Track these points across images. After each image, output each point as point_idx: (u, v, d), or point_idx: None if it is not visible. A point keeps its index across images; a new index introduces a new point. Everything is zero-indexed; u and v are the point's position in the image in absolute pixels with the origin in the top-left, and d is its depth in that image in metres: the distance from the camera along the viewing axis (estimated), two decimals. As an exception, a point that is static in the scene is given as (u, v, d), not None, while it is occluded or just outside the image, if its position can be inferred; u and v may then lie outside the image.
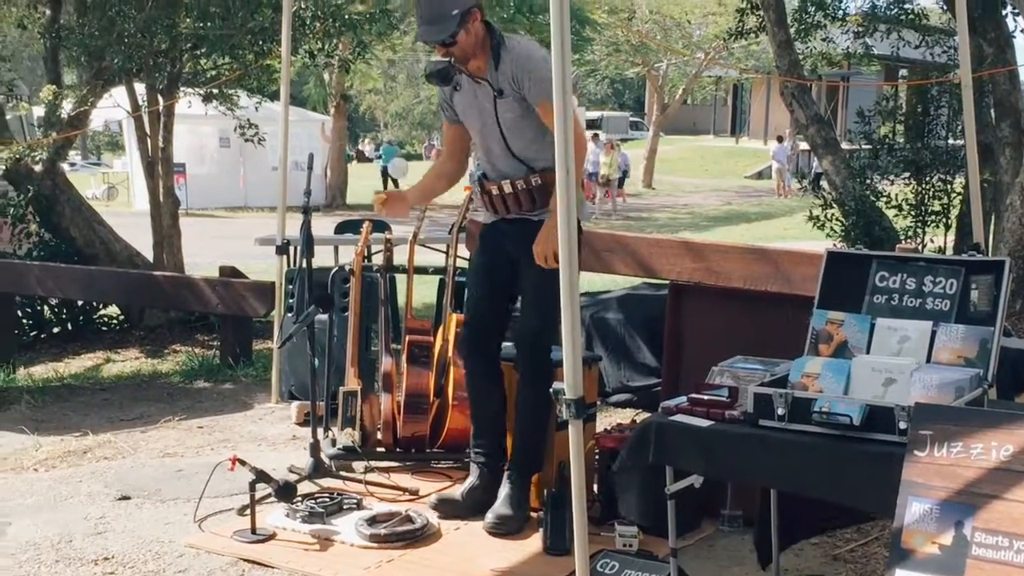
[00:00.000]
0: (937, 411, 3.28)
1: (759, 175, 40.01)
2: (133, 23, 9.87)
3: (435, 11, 4.66)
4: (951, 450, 3.14)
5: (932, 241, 9.47)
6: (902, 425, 3.34)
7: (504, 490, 4.90)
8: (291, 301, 7.33)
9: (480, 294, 5.06)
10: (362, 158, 50.86)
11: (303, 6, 10.35)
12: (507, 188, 4.83)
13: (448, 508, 5.01)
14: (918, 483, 3.14)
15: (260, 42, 10.48)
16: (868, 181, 9.64)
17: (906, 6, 11.05)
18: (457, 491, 5.11)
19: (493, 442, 5.05)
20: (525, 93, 4.67)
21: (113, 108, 12.01)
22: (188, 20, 10.32)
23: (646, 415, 6.14)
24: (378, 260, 6.20)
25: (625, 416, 6.73)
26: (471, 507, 4.99)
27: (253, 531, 4.76)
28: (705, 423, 3.69)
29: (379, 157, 40.16)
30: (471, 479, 5.08)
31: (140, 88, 11.04)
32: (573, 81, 4.01)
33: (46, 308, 10.87)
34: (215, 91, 11.11)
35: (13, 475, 5.93)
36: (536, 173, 4.77)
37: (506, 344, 5.15)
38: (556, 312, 4.73)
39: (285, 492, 4.88)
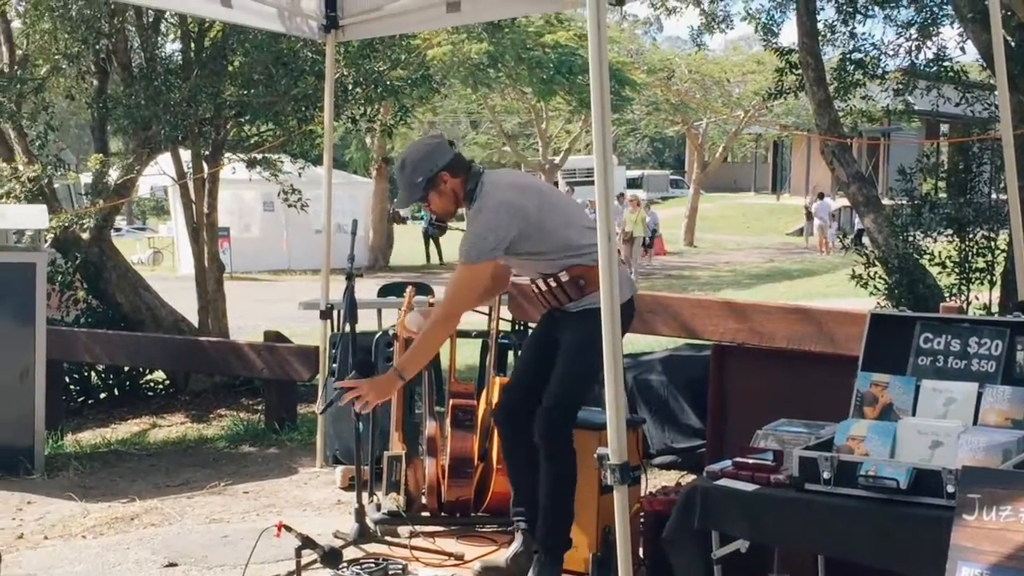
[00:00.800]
0: (985, 474, 3.26)
1: (801, 232, 39.90)
2: (179, 92, 10.02)
3: (405, 181, 5.01)
4: (1000, 514, 3.12)
5: (977, 298, 9.39)
6: (950, 488, 3.32)
7: (532, 571, 4.87)
8: (334, 366, 7.37)
9: (524, 366, 5.20)
10: (398, 219, 51.05)
11: (345, 73, 10.48)
12: (542, 286, 4.99)
13: (493, 575, 4.99)
14: (967, 547, 3.12)
15: (303, 108, 10.61)
16: (911, 238, 9.60)
17: (945, 63, 11.04)
18: (501, 557, 5.09)
19: (534, 508, 5.03)
20: None
21: (159, 175, 12.18)
22: (232, 88, 10.47)
23: (691, 477, 6.11)
24: (421, 324, 6.22)
25: (670, 478, 6.69)
26: (516, 574, 4.97)
27: (299, 597, 4.76)
28: (750, 487, 3.68)
29: (419, 219, 40.28)
30: (515, 545, 5.06)
31: (185, 155, 11.20)
32: (613, 140, 4.04)
33: (93, 374, 10.98)
34: (259, 157, 11.24)
35: (62, 542, 5.96)
36: (557, 274, 4.91)
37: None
38: (581, 390, 4.80)
39: (331, 558, 4.88)
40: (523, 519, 5.06)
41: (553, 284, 4.92)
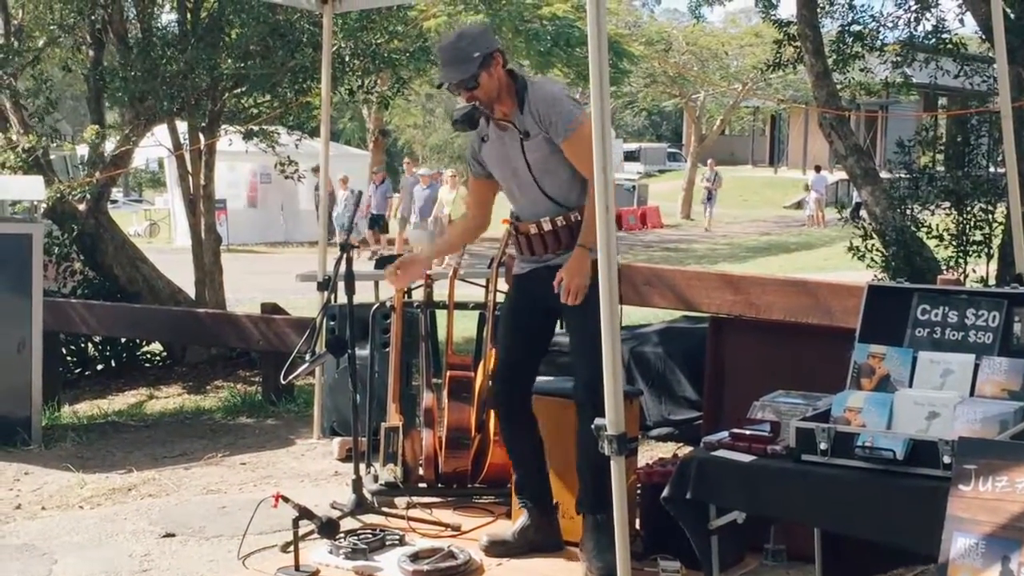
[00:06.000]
0: (981, 445, 3.26)
1: (798, 205, 39.85)
2: (175, 64, 9.99)
3: (456, 55, 4.70)
4: (996, 484, 3.13)
5: (974, 271, 9.39)
6: (946, 459, 3.33)
7: (591, 536, 4.74)
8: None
9: (512, 344, 5.04)
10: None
11: (342, 45, 10.44)
12: (546, 226, 4.78)
13: (500, 549, 4.98)
14: (963, 518, 3.13)
15: (300, 80, 10.60)
16: (908, 211, 9.59)
17: (944, 36, 11.00)
18: (508, 532, 5.07)
19: (539, 485, 5.04)
20: (551, 132, 4.67)
21: (155, 146, 12.16)
22: (229, 60, 10.44)
23: (688, 449, 6.12)
24: (418, 296, 6.23)
25: (667, 450, 6.71)
26: (523, 548, 4.97)
27: (296, 568, 4.76)
28: (747, 458, 3.69)
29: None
30: (522, 520, 5.04)
31: (182, 126, 11.18)
32: (611, 113, 4.02)
33: (90, 345, 10.98)
34: (256, 128, 11.21)
35: (59, 512, 5.98)
36: (574, 210, 4.74)
37: (541, 378, 5.16)
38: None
39: (328, 528, 4.90)
40: (528, 497, 5.04)
41: (561, 223, 4.74)
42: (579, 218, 4.71)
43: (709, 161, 36.62)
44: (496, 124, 4.82)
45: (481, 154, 5.00)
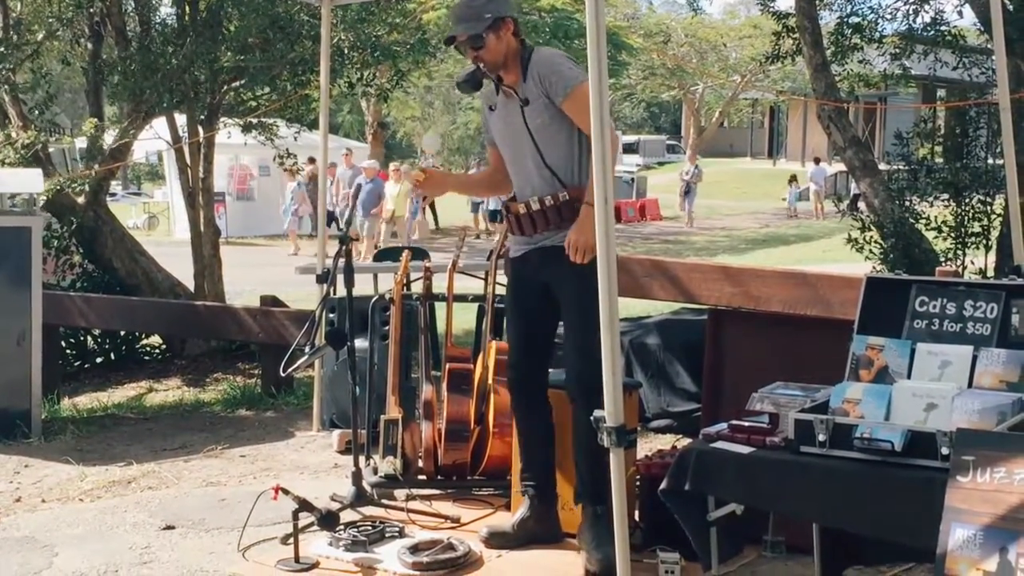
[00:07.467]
0: (979, 436, 3.28)
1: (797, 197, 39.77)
2: (174, 58, 9.98)
3: (468, 12, 4.73)
4: (994, 476, 3.14)
5: (973, 263, 9.40)
6: (944, 451, 3.34)
7: (590, 529, 4.73)
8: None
9: (519, 337, 5.04)
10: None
11: (341, 37, 10.44)
12: (535, 205, 4.75)
13: (499, 540, 4.97)
14: (961, 509, 3.14)
15: (299, 73, 10.59)
16: (907, 203, 9.60)
17: (943, 27, 11.01)
18: (507, 523, 5.07)
19: (543, 473, 5.03)
20: (551, 93, 4.65)
21: (154, 139, 12.15)
22: (228, 53, 10.43)
23: (687, 440, 6.13)
24: (417, 288, 6.23)
25: (666, 442, 6.72)
26: (523, 538, 4.96)
27: (296, 560, 4.77)
28: (746, 450, 3.70)
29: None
30: (522, 510, 5.04)
31: (181, 119, 11.17)
32: (609, 105, 4.01)
33: (89, 339, 10.98)
34: (254, 121, 11.21)
35: (59, 505, 5.99)
36: (565, 189, 4.71)
37: (553, 370, 5.16)
38: (598, 340, 4.66)
39: (328, 521, 4.91)
40: (531, 484, 5.04)
41: (549, 203, 4.70)
42: (567, 197, 4.68)
43: (688, 154, 36.38)
44: (503, 91, 4.82)
45: (490, 124, 5.02)
